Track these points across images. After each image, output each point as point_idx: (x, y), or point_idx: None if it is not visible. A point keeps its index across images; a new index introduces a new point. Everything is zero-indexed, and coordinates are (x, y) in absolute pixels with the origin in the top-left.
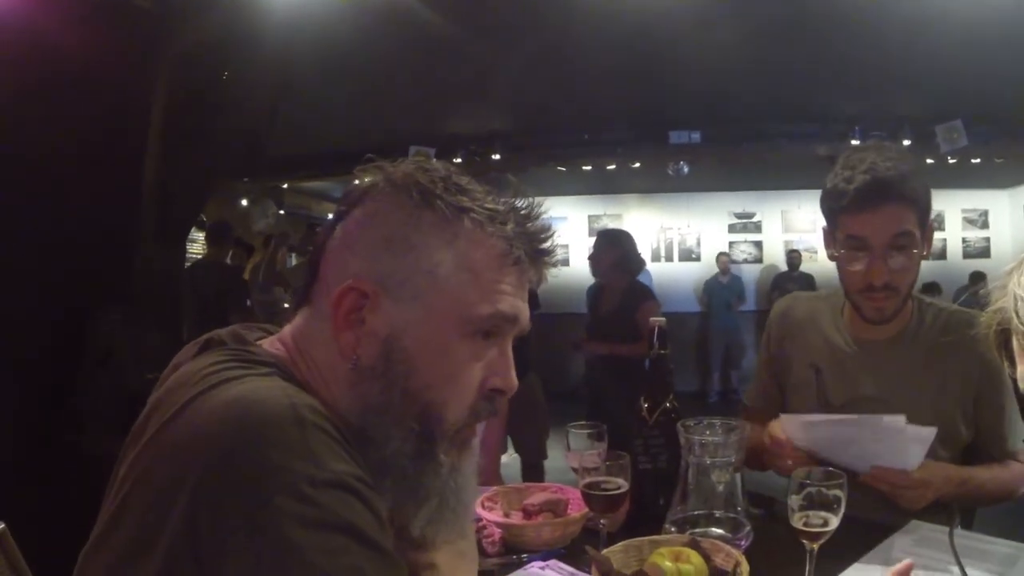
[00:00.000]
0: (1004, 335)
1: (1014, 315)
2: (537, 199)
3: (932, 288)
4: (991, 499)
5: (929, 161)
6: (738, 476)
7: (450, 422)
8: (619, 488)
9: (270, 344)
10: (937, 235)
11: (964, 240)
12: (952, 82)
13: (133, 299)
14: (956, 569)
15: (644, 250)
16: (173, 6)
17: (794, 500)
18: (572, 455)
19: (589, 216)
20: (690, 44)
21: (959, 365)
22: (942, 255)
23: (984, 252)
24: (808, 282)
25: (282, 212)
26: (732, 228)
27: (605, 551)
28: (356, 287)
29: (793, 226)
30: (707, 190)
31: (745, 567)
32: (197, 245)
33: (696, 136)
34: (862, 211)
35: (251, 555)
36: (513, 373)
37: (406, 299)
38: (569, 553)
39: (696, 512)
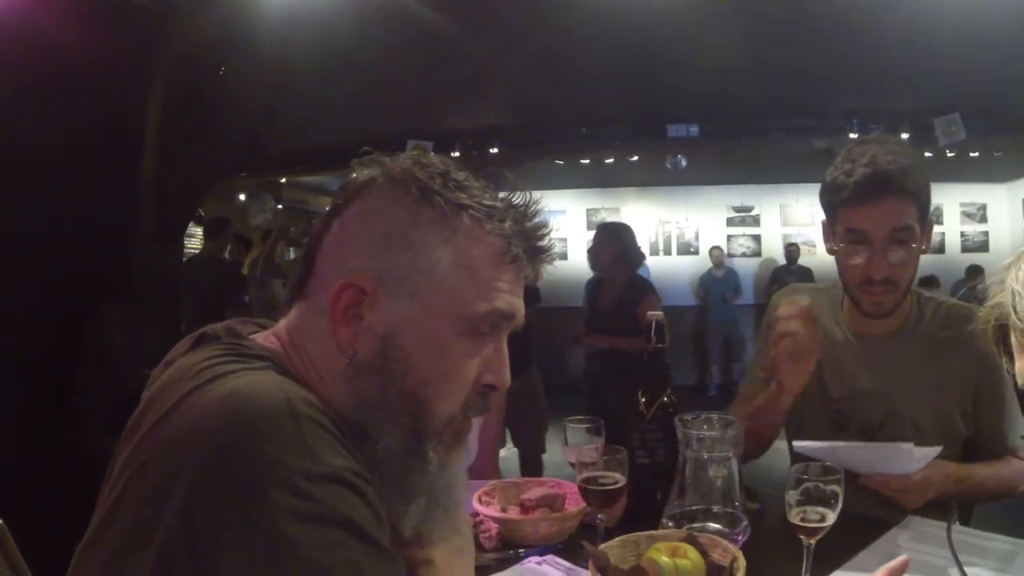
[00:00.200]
0: (1002, 331)
1: (1011, 311)
2: (534, 195)
3: (930, 282)
4: (991, 496)
5: (927, 155)
6: (736, 471)
7: (442, 418)
8: (616, 483)
9: (264, 338)
10: (936, 229)
11: (963, 234)
12: (951, 76)
13: (132, 298)
14: (954, 565)
15: (642, 244)
16: (172, 4)
17: (791, 495)
18: (569, 449)
19: (587, 210)
20: (688, 38)
21: (958, 360)
22: (940, 249)
23: (983, 246)
24: (806, 276)
25: (280, 207)
26: (730, 222)
27: (602, 546)
28: (355, 283)
29: (792, 220)
30: (705, 184)
31: (742, 562)
32: (195, 240)
33: (694, 130)
34: (862, 204)
35: (246, 549)
36: (507, 370)
37: (404, 296)
38: (566, 548)
39: (693, 507)
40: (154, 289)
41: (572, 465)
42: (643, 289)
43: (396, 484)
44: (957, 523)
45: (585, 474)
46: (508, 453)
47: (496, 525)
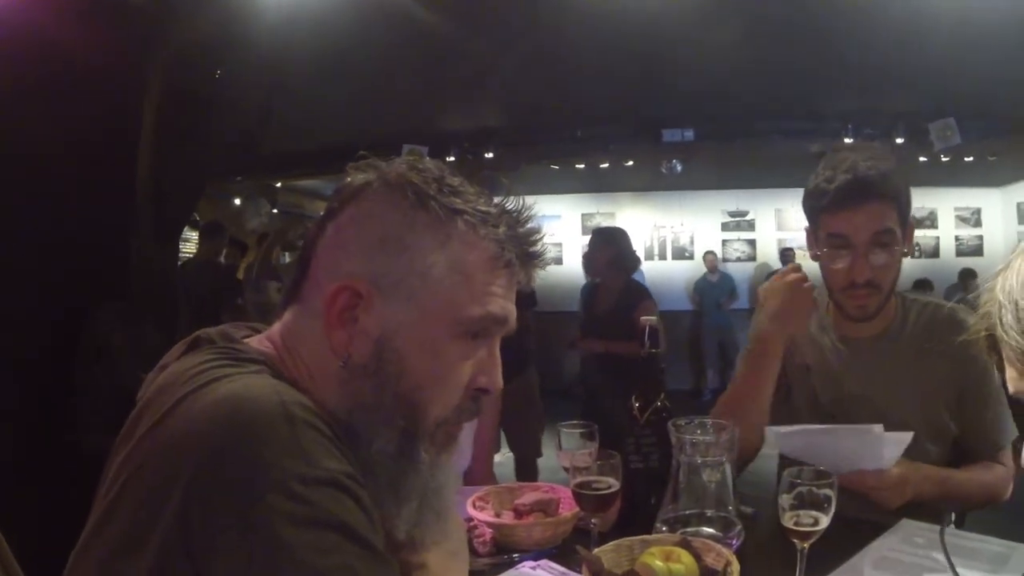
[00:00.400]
0: (993, 339)
1: (998, 323)
2: (527, 201)
3: (924, 285)
4: (973, 501)
5: (922, 159)
6: (729, 475)
7: (435, 420)
8: (610, 487)
9: (258, 342)
10: (930, 233)
11: (957, 238)
12: (946, 80)
13: (132, 297)
14: (947, 568)
15: (638, 248)
16: (168, 4)
17: (785, 499)
18: (563, 454)
19: (583, 214)
20: (684, 42)
21: (943, 361)
22: (935, 253)
23: (977, 250)
24: None
25: (275, 210)
26: (725, 226)
27: (596, 551)
28: (350, 286)
29: (787, 224)
30: (700, 188)
31: (736, 566)
32: (191, 244)
33: (689, 134)
34: (843, 209)
35: (242, 553)
36: (499, 373)
37: (399, 300)
38: (560, 553)
39: (687, 511)
40: (152, 288)
41: (566, 470)
42: (639, 294)
43: (389, 487)
44: (951, 526)
45: (579, 479)
46: (504, 459)
47: (490, 530)
